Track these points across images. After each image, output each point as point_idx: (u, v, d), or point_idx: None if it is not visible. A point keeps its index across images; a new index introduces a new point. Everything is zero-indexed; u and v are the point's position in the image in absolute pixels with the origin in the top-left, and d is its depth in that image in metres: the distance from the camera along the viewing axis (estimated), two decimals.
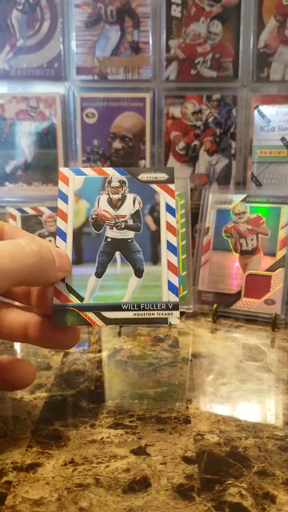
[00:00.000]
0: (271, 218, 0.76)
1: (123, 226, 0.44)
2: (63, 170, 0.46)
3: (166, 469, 0.35)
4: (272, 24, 0.90)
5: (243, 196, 0.79)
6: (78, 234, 0.43)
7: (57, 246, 0.42)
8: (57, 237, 0.44)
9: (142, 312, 0.41)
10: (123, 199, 0.45)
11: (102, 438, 0.39)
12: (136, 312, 0.42)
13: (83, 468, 0.35)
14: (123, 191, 0.45)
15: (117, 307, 0.41)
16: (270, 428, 0.41)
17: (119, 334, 0.68)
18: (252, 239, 0.76)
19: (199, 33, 0.91)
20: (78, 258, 0.43)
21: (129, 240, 0.44)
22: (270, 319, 0.71)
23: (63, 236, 0.44)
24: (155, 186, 0.45)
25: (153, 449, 0.37)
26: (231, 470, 0.35)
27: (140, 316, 0.41)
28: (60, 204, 0.45)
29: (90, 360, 0.58)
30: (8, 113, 0.94)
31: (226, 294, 0.76)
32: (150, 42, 0.92)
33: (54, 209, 0.81)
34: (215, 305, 0.74)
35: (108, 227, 0.44)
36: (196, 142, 0.94)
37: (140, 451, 0.37)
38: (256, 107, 0.85)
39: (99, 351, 0.62)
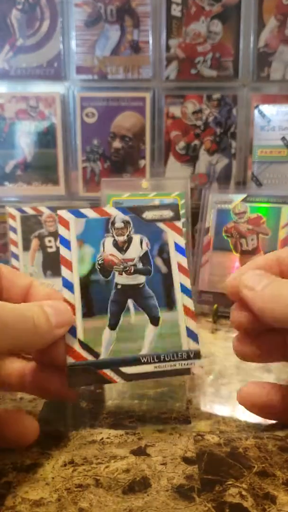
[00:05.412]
0: (271, 218, 0.76)
1: (132, 271, 0.41)
2: (62, 213, 0.42)
3: (166, 469, 0.35)
4: (273, 24, 0.90)
5: (243, 196, 0.78)
6: (85, 283, 0.40)
7: (65, 300, 0.39)
8: (63, 288, 0.40)
9: (163, 364, 0.38)
10: (129, 240, 0.41)
11: (102, 438, 0.39)
12: (157, 364, 0.38)
13: (83, 469, 0.35)
14: (128, 232, 0.41)
15: (136, 361, 0.38)
16: (270, 428, 0.41)
17: None
18: (252, 239, 0.76)
19: (199, 33, 0.91)
20: (89, 310, 0.39)
21: (140, 286, 0.40)
22: None
23: (70, 286, 0.39)
24: (161, 225, 0.42)
25: (153, 450, 0.37)
26: (231, 470, 0.34)
27: (161, 369, 0.38)
28: (63, 251, 0.40)
29: None
30: (8, 112, 0.94)
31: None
32: (150, 41, 0.92)
33: (54, 209, 0.81)
34: (215, 305, 0.74)
35: (116, 272, 0.40)
36: (196, 142, 0.94)
37: (140, 452, 0.37)
38: (257, 106, 0.85)
39: None
